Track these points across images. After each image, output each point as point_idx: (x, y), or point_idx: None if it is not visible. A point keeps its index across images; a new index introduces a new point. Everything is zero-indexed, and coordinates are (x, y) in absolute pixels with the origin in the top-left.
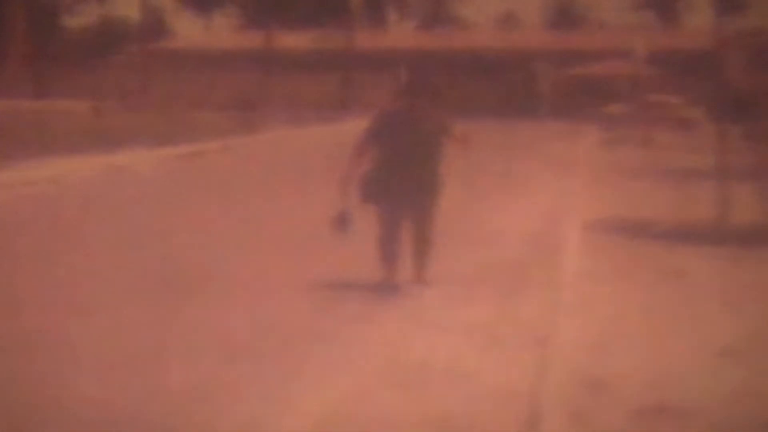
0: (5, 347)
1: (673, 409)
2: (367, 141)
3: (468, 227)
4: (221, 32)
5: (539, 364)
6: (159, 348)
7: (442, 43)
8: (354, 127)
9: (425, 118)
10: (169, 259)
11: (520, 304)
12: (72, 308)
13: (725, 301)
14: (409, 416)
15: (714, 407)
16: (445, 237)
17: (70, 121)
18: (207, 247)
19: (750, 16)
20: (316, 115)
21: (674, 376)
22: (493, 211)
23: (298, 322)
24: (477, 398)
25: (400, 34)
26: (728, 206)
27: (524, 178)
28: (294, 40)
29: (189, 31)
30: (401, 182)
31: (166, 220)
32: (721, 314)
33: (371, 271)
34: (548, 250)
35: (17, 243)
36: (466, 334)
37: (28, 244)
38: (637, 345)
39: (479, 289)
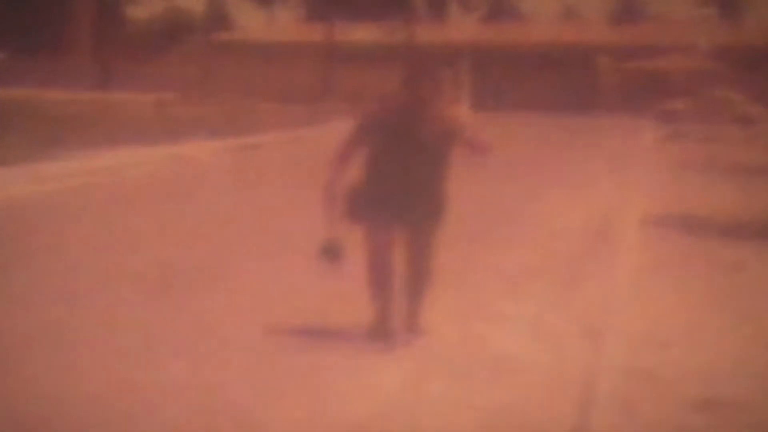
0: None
1: (726, 402)
2: (353, 144)
3: (523, 220)
4: (283, 24)
5: (592, 356)
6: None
7: (502, 37)
8: None
9: (429, 120)
10: (227, 249)
11: (575, 297)
12: (119, 300)
13: None
14: (460, 407)
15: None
16: (500, 229)
17: (133, 111)
18: (264, 241)
19: None
20: None
21: (728, 369)
22: (549, 205)
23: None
24: (530, 389)
25: (462, 27)
26: None
27: (582, 171)
28: (356, 33)
29: (251, 22)
30: (395, 198)
31: (226, 210)
32: None
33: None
34: (604, 243)
35: (71, 232)
36: (519, 325)
37: (82, 233)
38: (691, 338)
39: (534, 281)
